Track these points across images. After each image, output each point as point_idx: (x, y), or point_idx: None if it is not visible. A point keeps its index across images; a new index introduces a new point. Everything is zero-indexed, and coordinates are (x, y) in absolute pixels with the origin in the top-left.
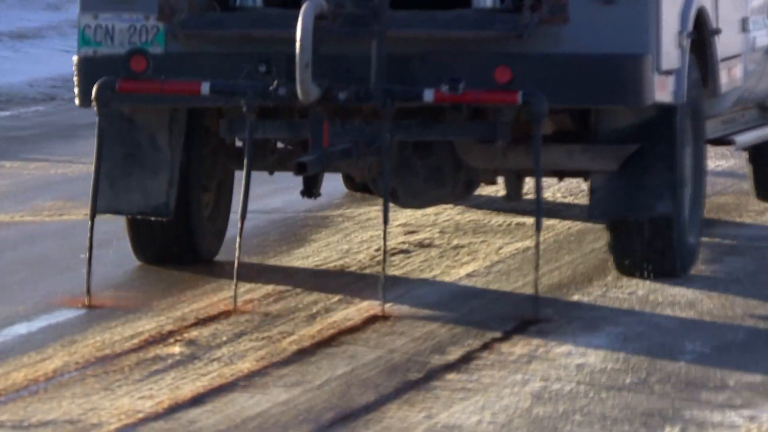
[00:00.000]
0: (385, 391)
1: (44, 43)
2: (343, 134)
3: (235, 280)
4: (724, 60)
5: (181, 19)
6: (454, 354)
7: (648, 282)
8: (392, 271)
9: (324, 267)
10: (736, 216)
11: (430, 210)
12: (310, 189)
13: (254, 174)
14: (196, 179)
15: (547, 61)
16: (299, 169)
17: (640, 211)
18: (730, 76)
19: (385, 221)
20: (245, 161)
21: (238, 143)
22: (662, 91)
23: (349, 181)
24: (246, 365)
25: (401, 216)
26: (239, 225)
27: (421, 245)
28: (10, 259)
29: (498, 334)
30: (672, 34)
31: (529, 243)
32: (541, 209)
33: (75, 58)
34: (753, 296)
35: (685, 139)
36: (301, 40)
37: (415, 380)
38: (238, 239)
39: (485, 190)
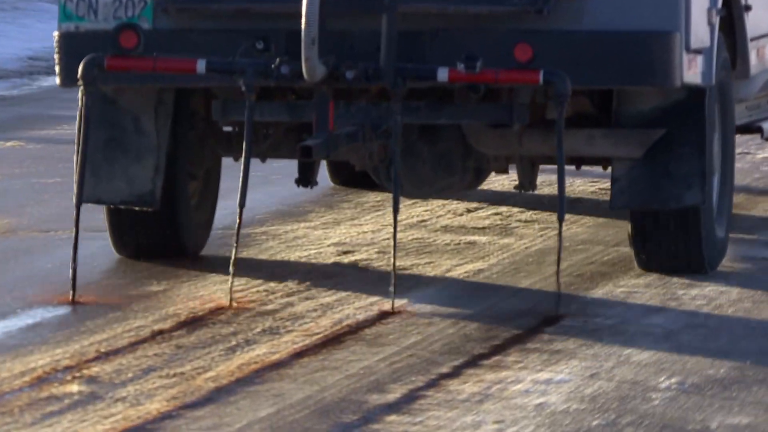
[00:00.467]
0: None
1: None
2: (346, 117)
3: (231, 274)
4: (753, 39)
5: None
6: (395, 392)
7: (619, 310)
8: (324, 298)
9: (243, 294)
10: None
11: (368, 226)
12: (307, 177)
13: None
14: (182, 166)
15: (568, 38)
16: (304, 153)
17: (666, 201)
18: (759, 57)
19: (396, 209)
20: (245, 145)
21: (227, 128)
22: (691, 72)
23: (336, 173)
24: (155, 406)
25: (334, 234)
26: (238, 213)
27: (358, 267)
28: None
29: (446, 370)
30: (701, 10)
31: (481, 264)
32: (564, 197)
33: (56, 34)
34: (737, 326)
35: (713, 124)
36: (307, 13)
37: (350, 423)
38: (236, 230)
39: (429, 205)
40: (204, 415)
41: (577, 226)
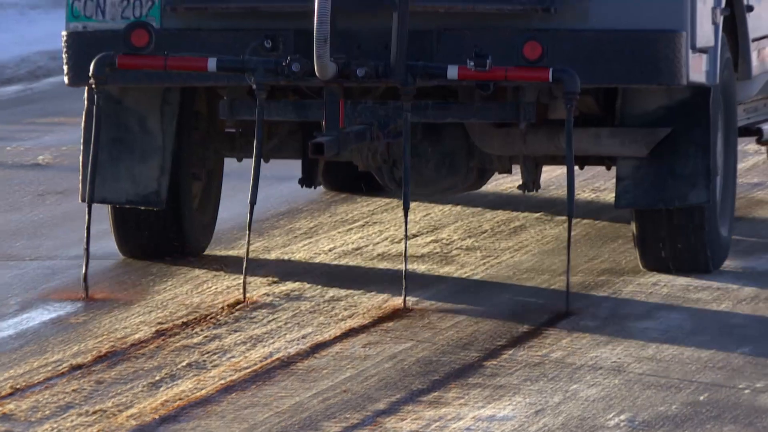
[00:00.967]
0: None
1: None
2: (353, 116)
3: (244, 271)
4: (755, 40)
5: None
6: (329, 430)
7: (566, 341)
8: (253, 330)
9: (167, 325)
10: None
11: (300, 254)
12: (312, 177)
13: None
14: (186, 167)
15: (576, 37)
16: (316, 150)
17: (672, 199)
18: (760, 59)
19: (406, 207)
20: (255, 143)
21: (229, 129)
22: (696, 71)
23: (329, 178)
24: None
25: (265, 263)
26: (249, 212)
27: (289, 297)
28: None
29: (382, 406)
30: (706, 9)
31: (420, 293)
32: (573, 195)
33: (63, 34)
34: (690, 359)
35: (717, 124)
36: (319, 12)
37: None
38: (248, 229)
39: (366, 231)
40: None
41: (521, 254)
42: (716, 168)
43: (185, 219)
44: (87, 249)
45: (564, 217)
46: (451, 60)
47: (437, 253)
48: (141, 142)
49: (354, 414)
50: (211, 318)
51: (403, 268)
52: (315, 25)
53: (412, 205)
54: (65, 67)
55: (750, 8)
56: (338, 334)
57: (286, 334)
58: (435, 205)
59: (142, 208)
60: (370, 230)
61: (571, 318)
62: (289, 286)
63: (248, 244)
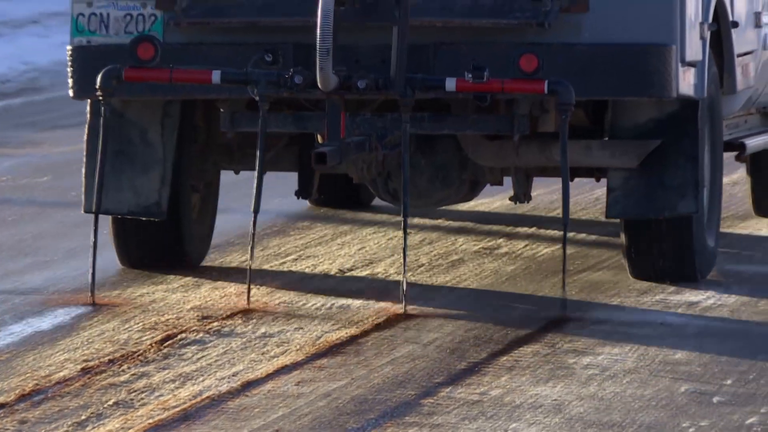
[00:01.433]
0: None
1: None
2: (351, 128)
3: (248, 276)
4: (739, 56)
5: (184, 6)
6: None
7: (506, 378)
8: (182, 367)
9: (94, 362)
10: (614, 297)
11: (231, 289)
12: (308, 188)
13: (21, 243)
14: (186, 178)
15: (569, 50)
16: (319, 160)
17: (661, 210)
18: (744, 74)
19: (405, 215)
20: (258, 154)
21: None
22: (685, 84)
23: (303, 195)
24: None
25: (194, 297)
26: (252, 220)
27: (220, 333)
28: None
29: None
30: (694, 24)
31: (355, 330)
32: (568, 203)
33: (68, 48)
34: (633, 397)
35: (705, 136)
36: (322, 24)
37: None
38: (251, 236)
39: (300, 264)
40: None
41: (459, 288)
42: (704, 179)
43: (185, 230)
44: (93, 260)
45: (504, 251)
46: (447, 73)
47: (374, 287)
48: (142, 154)
49: None
50: (138, 355)
51: (402, 278)
52: (318, 37)
53: (347, 237)
54: (70, 81)
55: (735, 24)
56: (270, 371)
57: (216, 371)
58: (371, 237)
59: (144, 219)
60: (303, 264)
61: (510, 354)
62: (220, 322)
63: (252, 250)
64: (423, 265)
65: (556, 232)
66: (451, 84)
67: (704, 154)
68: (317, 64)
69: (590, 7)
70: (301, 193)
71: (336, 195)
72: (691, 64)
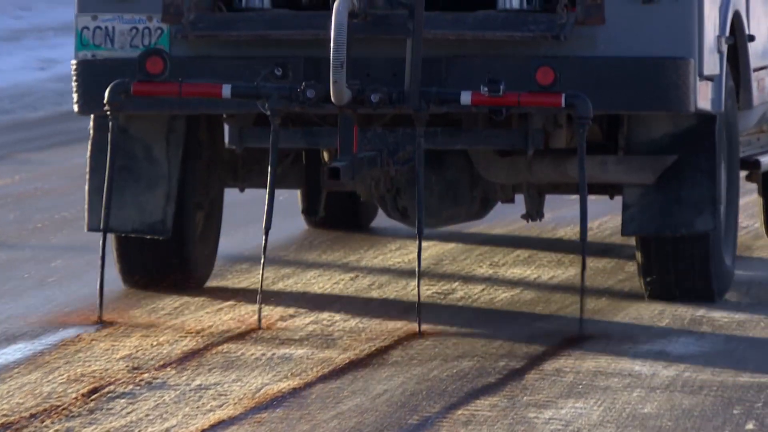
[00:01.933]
0: None
1: None
2: (362, 142)
3: (259, 296)
4: (756, 70)
5: (191, 19)
6: None
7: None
8: (111, 422)
9: (14, 417)
10: (580, 345)
11: (164, 337)
12: (314, 206)
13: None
14: (191, 196)
15: (584, 64)
16: (332, 175)
17: (678, 227)
18: (760, 89)
19: (420, 232)
20: (269, 170)
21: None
22: (703, 99)
23: (310, 212)
24: None
25: (123, 346)
26: (263, 238)
27: (151, 385)
28: None
29: None
30: (712, 37)
31: (298, 382)
32: (586, 219)
33: (73, 62)
34: None
35: (722, 152)
36: (336, 37)
37: None
38: (263, 252)
39: (238, 310)
40: None
41: (411, 336)
42: (721, 196)
43: (189, 249)
44: (101, 280)
45: (460, 295)
46: (460, 87)
47: (317, 335)
48: (147, 170)
49: None
50: (63, 409)
51: (417, 300)
52: (332, 50)
53: (290, 281)
54: (74, 96)
55: (752, 38)
56: (206, 426)
57: (147, 427)
58: (315, 282)
59: (148, 237)
60: (242, 310)
61: (466, 408)
62: (152, 372)
63: (263, 270)
64: (372, 310)
65: (516, 272)
66: (466, 98)
67: (721, 170)
68: (331, 77)
69: (606, 19)
70: (308, 211)
71: (336, 215)
72: (709, 78)
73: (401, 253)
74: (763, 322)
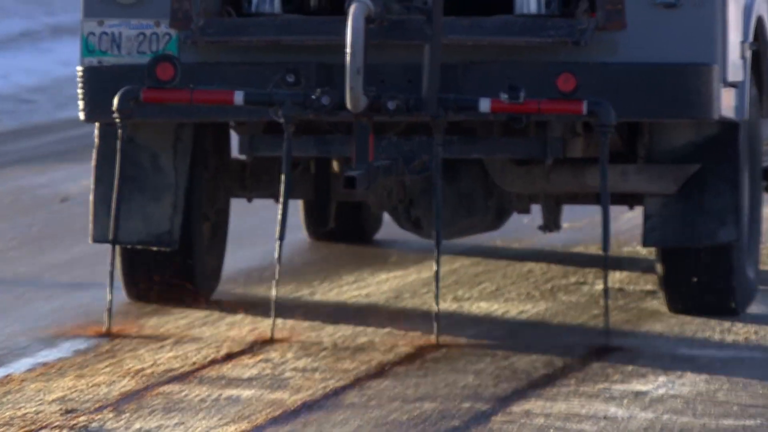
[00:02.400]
0: None
1: None
2: (377, 151)
3: (272, 306)
4: None
5: (201, 24)
6: None
7: None
8: None
9: None
10: (550, 386)
11: (101, 378)
12: (324, 218)
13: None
14: (198, 206)
15: (606, 70)
16: (348, 184)
17: (701, 238)
18: None
19: (438, 242)
20: (283, 179)
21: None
22: (726, 106)
23: (312, 225)
24: None
25: (58, 388)
26: (277, 247)
27: (87, 430)
28: None
29: None
30: (736, 43)
31: (246, 425)
32: (609, 230)
33: (79, 69)
34: None
35: (745, 160)
36: (352, 43)
37: None
38: (277, 261)
39: (181, 348)
40: None
41: (369, 374)
42: (744, 206)
43: (196, 261)
44: (111, 292)
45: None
46: (477, 93)
47: (267, 375)
48: (153, 180)
49: None
50: None
51: (435, 309)
52: (348, 56)
53: (237, 316)
54: (80, 103)
55: None
56: None
57: None
58: (264, 319)
59: (155, 248)
60: (186, 348)
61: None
62: (87, 416)
63: (276, 280)
64: (326, 348)
65: (482, 307)
66: (485, 104)
67: (744, 180)
68: (347, 83)
69: (627, 24)
70: (319, 222)
71: (339, 229)
72: (733, 85)
73: (357, 287)
74: (747, 362)
